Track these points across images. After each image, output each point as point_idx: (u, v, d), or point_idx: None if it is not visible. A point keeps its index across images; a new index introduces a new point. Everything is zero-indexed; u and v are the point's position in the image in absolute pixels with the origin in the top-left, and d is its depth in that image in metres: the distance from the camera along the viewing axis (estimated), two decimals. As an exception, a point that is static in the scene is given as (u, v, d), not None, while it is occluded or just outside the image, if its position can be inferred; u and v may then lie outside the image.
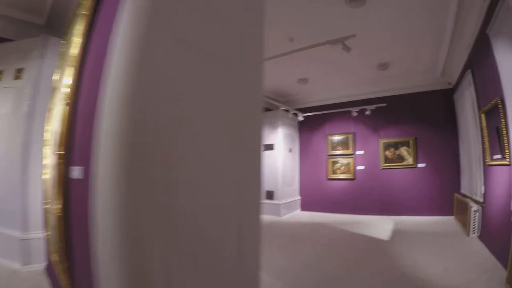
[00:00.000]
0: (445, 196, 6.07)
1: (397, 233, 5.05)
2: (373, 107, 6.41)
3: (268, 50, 4.82)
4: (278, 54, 4.19)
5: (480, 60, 3.99)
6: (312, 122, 7.99)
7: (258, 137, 1.43)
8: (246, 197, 1.32)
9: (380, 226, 5.67)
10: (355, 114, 6.78)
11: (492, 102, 3.56)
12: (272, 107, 7.78)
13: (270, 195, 7.22)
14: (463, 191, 5.58)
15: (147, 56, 1.00)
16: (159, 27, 1.03)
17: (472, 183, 4.82)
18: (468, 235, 4.47)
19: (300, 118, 7.13)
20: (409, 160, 6.54)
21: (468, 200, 4.82)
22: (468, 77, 4.61)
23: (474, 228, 4.42)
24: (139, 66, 0.98)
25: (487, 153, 4.01)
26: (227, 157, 1.26)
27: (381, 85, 6.90)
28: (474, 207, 4.38)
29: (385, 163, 6.84)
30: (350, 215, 6.96)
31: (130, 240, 0.92)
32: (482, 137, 4.19)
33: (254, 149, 1.40)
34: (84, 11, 2.05)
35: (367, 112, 6.57)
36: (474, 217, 4.40)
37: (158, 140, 1.00)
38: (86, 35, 2.01)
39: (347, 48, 3.64)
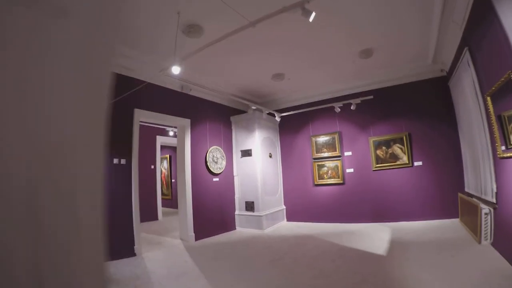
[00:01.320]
0: (447, 197, 5.37)
1: (396, 244, 4.29)
2: (358, 100, 5.65)
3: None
4: (231, 31, 3.34)
5: (480, 33, 3.32)
6: (293, 124, 7.26)
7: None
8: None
9: (375, 235, 4.91)
10: (338, 110, 5.96)
11: (502, 79, 2.86)
12: (248, 109, 6.95)
13: (249, 206, 6.36)
14: (467, 189, 4.84)
15: None
16: None
17: (479, 180, 4.08)
18: (479, 242, 3.74)
19: (277, 118, 6.33)
20: (404, 158, 5.81)
21: (476, 200, 4.08)
22: (466, 56, 3.93)
23: (486, 234, 3.69)
24: None
25: (498, 143, 3.29)
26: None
27: (366, 77, 6.25)
28: (485, 209, 3.65)
29: (377, 163, 6.10)
30: (341, 224, 6.21)
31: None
32: (490, 126, 3.48)
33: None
34: None
35: (353, 107, 5.77)
36: (486, 221, 3.67)
37: None
38: None
39: (307, 13, 2.80)
